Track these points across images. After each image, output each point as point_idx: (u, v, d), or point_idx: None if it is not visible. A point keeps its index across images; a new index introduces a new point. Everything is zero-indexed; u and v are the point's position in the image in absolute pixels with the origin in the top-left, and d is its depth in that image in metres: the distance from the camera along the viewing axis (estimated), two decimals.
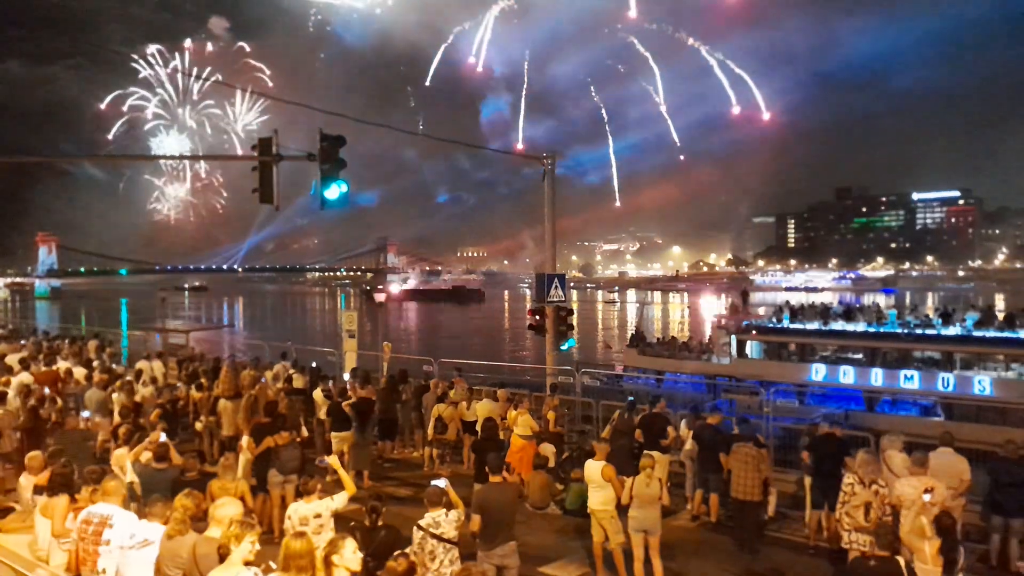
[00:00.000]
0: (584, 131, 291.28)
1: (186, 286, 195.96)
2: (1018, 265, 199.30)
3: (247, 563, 5.06)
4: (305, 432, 12.06)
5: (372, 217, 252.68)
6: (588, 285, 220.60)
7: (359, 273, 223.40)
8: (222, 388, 14.38)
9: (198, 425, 14.60)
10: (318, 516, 7.54)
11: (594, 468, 9.31)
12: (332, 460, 8.53)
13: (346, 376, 18.12)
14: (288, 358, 19.22)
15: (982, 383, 24.33)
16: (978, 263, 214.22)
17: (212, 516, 5.87)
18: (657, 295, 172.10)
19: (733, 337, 30.70)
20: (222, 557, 5.11)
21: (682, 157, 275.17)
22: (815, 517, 10.32)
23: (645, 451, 10.84)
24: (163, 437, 9.40)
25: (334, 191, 13.19)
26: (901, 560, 6.05)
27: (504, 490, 8.00)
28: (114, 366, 19.68)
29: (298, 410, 13.38)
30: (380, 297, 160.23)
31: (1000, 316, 27.61)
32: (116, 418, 12.70)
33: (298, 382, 16.65)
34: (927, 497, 7.74)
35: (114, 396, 14.11)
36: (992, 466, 9.64)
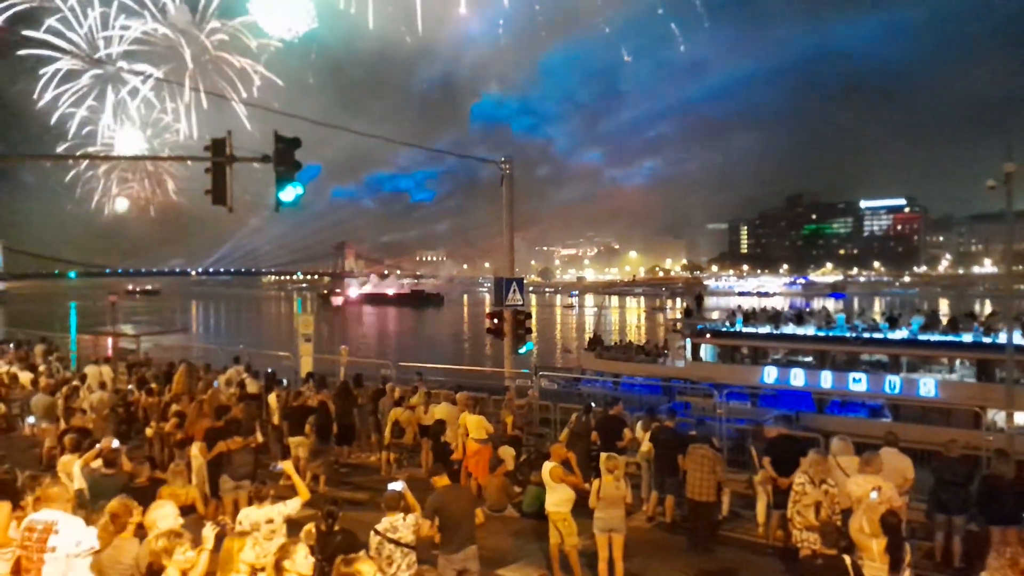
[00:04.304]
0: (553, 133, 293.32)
1: (135, 289, 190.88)
2: (961, 271, 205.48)
3: (184, 572, 4.98)
4: (260, 437, 11.88)
5: (329, 218, 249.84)
6: (547, 289, 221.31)
7: (316, 277, 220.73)
8: (176, 392, 14.12)
9: (148, 431, 14.28)
10: (270, 521, 7.42)
11: (546, 469, 9.39)
12: (286, 465, 8.43)
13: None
14: (241, 362, 18.92)
15: (927, 385, 25.04)
16: (923, 269, 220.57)
17: (148, 522, 5.77)
18: (615, 299, 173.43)
19: (688, 341, 31.12)
20: (156, 573, 5.00)
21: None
22: (774, 516, 10.46)
23: (608, 453, 10.90)
24: (114, 443, 9.18)
25: (289, 193, 13.11)
26: (847, 558, 6.19)
27: (458, 493, 7.99)
28: (63, 371, 19.18)
29: (252, 415, 13.17)
30: (337, 301, 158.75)
31: (944, 320, 28.44)
32: (63, 424, 12.38)
33: (251, 387, 16.41)
34: (874, 496, 7.93)
35: (58, 402, 13.76)
36: (935, 465, 9.90)
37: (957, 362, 25.86)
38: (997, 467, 9.50)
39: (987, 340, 24.45)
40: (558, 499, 9.21)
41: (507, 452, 13.09)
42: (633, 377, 31.13)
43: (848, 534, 7.09)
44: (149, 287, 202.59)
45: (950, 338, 25.92)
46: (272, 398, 15.02)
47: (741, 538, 10.87)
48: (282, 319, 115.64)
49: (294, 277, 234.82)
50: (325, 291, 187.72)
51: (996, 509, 9.10)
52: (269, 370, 18.61)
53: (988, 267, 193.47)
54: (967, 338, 25.42)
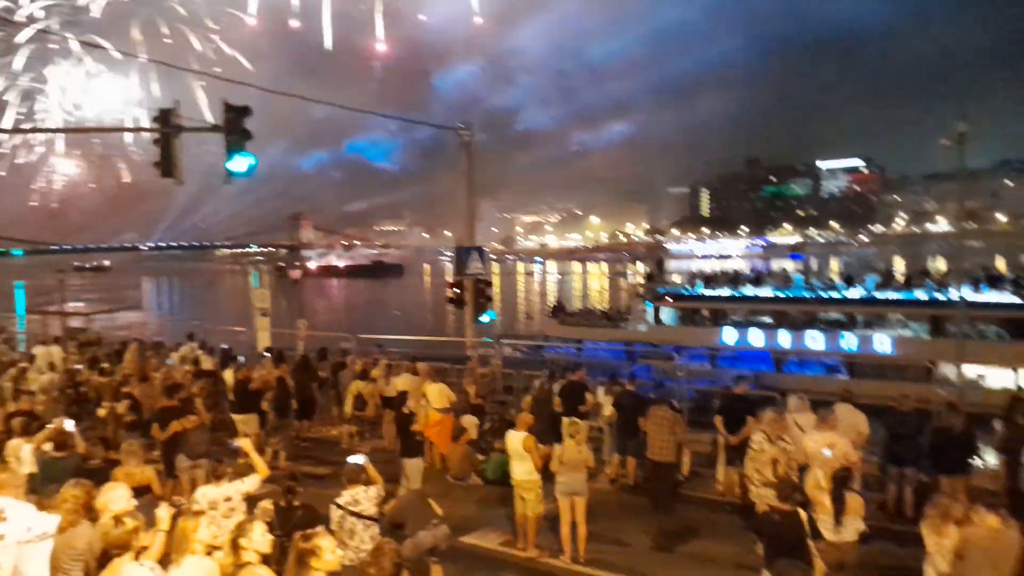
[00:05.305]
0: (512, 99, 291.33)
1: (84, 265, 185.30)
2: (916, 230, 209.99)
3: (139, 553, 4.88)
4: (205, 417, 11.64)
5: (285, 188, 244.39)
6: (508, 257, 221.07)
7: (272, 250, 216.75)
8: (127, 372, 13.82)
9: (100, 411, 13.96)
10: (228, 499, 7.29)
11: (515, 439, 9.36)
12: (243, 443, 8.28)
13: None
14: (195, 339, 18.57)
15: (883, 341, 25.60)
16: (879, 228, 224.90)
17: (100, 504, 5.64)
18: (577, 265, 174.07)
19: (649, 304, 31.37)
20: (110, 558, 4.89)
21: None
22: (730, 474, 10.65)
23: (570, 418, 10.93)
24: (68, 425, 8.95)
25: (240, 163, 12.78)
26: (803, 513, 6.31)
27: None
28: (10, 352, 18.66)
29: (205, 392, 12.94)
30: (295, 274, 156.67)
31: (899, 278, 29.00)
32: (10, 406, 12.04)
33: (206, 363, 16.13)
34: (827, 452, 8.09)
35: (6, 384, 13.39)
36: (888, 419, 10.15)
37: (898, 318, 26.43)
38: (947, 419, 9.75)
39: (939, 296, 25.00)
40: (529, 468, 9.23)
41: (470, 421, 13.07)
42: (597, 342, 31.34)
43: (804, 490, 7.23)
44: (98, 263, 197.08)
45: (905, 295, 26.43)
46: (228, 375, 14.78)
47: (701, 496, 11.06)
48: (238, 293, 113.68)
49: (249, 249, 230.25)
50: (281, 264, 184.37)
51: (945, 460, 9.39)
52: (224, 346, 18.29)
53: (943, 225, 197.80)
54: (920, 295, 25.97)
